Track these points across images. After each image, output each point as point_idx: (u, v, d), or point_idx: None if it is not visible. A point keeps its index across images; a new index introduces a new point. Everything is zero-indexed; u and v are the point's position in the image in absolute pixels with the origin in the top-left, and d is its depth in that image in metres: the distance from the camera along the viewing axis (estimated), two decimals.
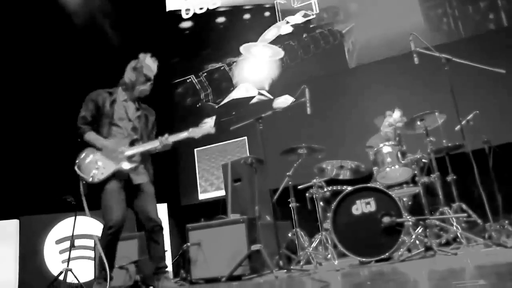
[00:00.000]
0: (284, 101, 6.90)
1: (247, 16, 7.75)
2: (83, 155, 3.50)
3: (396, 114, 4.97)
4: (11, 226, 5.94)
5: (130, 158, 3.50)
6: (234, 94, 7.52)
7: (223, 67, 7.71)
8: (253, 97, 7.36)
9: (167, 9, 8.51)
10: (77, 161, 3.48)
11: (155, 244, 3.51)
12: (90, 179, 3.39)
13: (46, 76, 7.22)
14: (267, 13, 7.58)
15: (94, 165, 3.42)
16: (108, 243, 3.44)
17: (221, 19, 7.96)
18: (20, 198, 6.36)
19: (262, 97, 7.29)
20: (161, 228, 3.53)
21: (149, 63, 3.68)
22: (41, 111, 7.05)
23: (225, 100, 7.51)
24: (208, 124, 3.55)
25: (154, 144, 3.53)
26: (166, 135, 3.53)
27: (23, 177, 6.59)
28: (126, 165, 3.47)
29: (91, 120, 3.58)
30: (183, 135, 3.54)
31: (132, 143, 3.57)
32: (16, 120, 6.92)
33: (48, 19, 7.28)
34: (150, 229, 3.50)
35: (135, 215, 3.60)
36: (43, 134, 6.93)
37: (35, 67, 7.21)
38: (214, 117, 3.36)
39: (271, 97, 7.20)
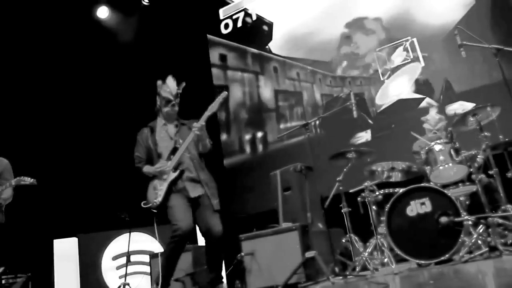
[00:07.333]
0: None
1: None
2: (148, 188, 3.74)
3: (431, 117, 4.73)
4: (71, 244, 6.19)
5: (175, 168, 3.64)
6: None
7: None
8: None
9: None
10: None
11: (213, 256, 3.65)
12: (154, 204, 3.61)
13: (105, 103, 7.48)
14: None
15: (154, 191, 3.66)
16: (171, 252, 3.55)
17: None
18: (78, 217, 6.60)
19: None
20: (220, 241, 3.59)
21: (164, 86, 3.82)
22: (98, 131, 7.28)
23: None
24: (221, 95, 3.71)
25: (190, 139, 3.64)
26: (195, 123, 3.65)
27: (79, 196, 6.85)
28: (173, 175, 3.63)
29: (146, 157, 3.80)
30: (206, 114, 3.67)
31: (173, 152, 3.68)
32: (72, 142, 7.18)
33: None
34: (209, 241, 3.63)
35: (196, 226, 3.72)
36: (97, 157, 7.16)
37: (96, 93, 7.47)
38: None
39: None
